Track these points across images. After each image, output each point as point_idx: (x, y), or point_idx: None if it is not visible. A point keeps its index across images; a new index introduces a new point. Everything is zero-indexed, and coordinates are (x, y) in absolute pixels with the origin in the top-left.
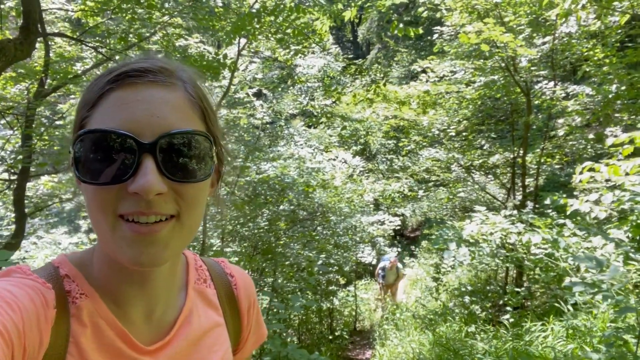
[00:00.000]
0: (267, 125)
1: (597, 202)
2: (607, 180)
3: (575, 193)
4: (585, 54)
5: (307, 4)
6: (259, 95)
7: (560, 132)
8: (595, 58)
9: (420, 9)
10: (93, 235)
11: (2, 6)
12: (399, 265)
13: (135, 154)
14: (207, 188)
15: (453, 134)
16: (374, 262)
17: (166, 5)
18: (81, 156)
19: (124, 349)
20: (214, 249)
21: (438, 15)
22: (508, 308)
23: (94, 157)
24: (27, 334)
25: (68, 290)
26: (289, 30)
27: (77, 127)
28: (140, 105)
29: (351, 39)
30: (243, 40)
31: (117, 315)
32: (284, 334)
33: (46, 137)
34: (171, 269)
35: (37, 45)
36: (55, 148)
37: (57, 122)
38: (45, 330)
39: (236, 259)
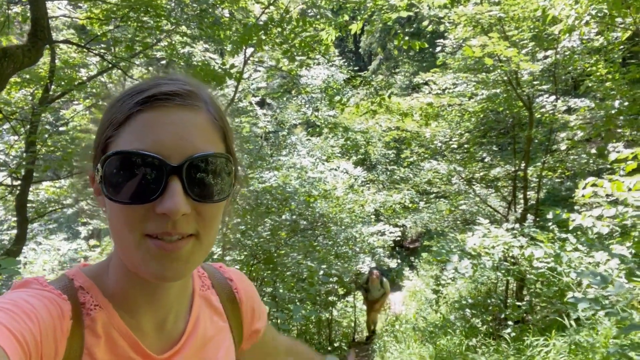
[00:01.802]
0: (270, 135)
1: (599, 218)
2: (607, 195)
3: (576, 207)
4: (588, 69)
5: (311, 14)
6: (262, 104)
7: (562, 146)
8: (598, 73)
9: (425, 23)
10: (92, 242)
11: (8, 12)
12: (384, 278)
13: (163, 175)
14: (223, 206)
15: (455, 146)
16: None
17: (172, 14)
18: (109, 175)
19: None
20: (215, 257)
21: (441, 28)
22: (509, 322)
23: (122, 177)
24: (44, 345)
25: (82, 302)
26: (295, 41)
27: (102, 145)
28: (168, 128)
29: (353, 49)
30: (249, 50)
31: (130, 325)
32: None
33: (49, 143)
34: (184, 281)
35: (44, 51)
36: (57, 154)
37: (61, 129)
38: (61, 341)
39: (237, 267)
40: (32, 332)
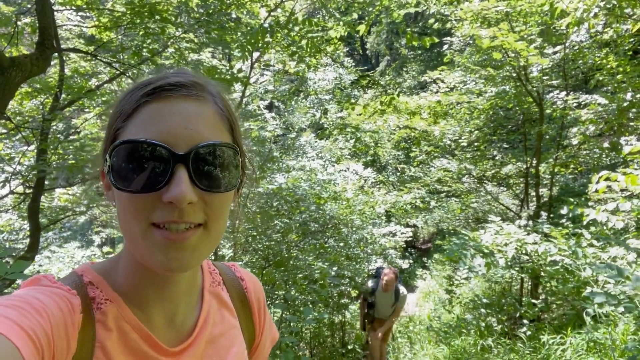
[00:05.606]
0: (279, 138)
1: (614, 212)
2: (622, 190)
3: (590, 204)
4: (598, 63)
5: (318, 16)
6: (270, 107)
7: (574, 142)
8: (608, 66)
9: (431, 21)
10: (106, 249)
11: (18, 23)
12: (402, 288)
13: (169, 164)
14: (232, 197)
15: (465, 144)
16: None
17: (179, 19)
18: (117, 165)
19: (149, 352)
20: (226, 259)
21: (448, 25)
22: (524, 321)
23: (129, 166)
24: (56, 340)
25: (92, 297)
26: (303, 42)
27: (111, 137)
28: (174, 117)
29: (360, 52)
30: (256, 53)
31: (141, 319)
32: (296, 348)
33: (60, 151)
34: (193, 274)
35: (53, 61)
36: (70, 162)
37: (72, 137)
38: (73, 336)
39: (248, 269)
40: (43, 328)
